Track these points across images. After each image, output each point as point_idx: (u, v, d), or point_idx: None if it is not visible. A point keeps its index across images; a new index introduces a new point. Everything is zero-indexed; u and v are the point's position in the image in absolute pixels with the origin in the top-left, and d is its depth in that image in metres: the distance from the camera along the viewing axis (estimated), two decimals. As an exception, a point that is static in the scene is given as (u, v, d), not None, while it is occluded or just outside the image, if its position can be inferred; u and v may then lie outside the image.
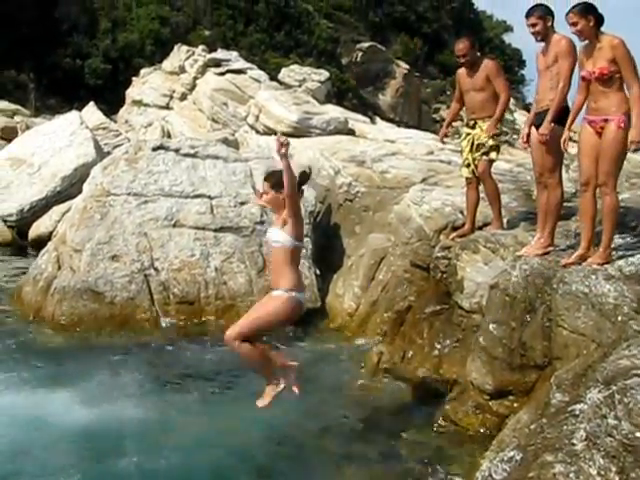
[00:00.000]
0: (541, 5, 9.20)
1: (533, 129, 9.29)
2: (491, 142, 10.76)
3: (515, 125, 28.46)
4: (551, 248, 8.99)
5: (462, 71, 11.03)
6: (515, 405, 8.27)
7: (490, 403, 8.55)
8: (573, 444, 5.42)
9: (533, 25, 9.11)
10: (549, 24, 9.10)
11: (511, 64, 63.07)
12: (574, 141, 9.23)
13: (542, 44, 9.20)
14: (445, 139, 12.18)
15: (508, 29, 67.77)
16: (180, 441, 8.67)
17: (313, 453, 8.71)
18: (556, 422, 5.83)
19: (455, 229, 11.26)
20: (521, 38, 71.02)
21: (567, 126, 8.87)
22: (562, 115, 8.94)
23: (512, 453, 5.90)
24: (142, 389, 10.25)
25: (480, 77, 10.76)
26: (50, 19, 43.18)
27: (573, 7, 8.55)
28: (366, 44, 49.65)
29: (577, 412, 5.72)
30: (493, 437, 7.65)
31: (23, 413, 9.17)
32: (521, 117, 29.83)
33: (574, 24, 8.44)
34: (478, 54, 11.05)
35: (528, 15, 9.16)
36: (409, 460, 8.37)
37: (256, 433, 8.92)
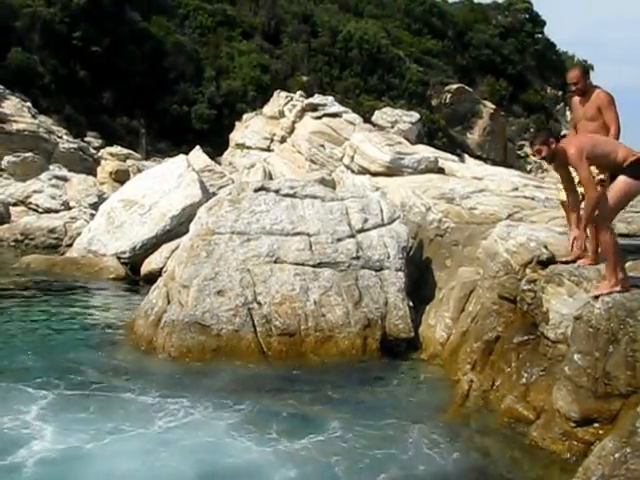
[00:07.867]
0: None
1: None
2: (602, 176, 9.87)
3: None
4: (617, 288, 8.69)
5: (575, 99, 10.68)
6: (601, 432, 8.17)
7: (576, 430, 8.47)
8: (656, 477, 5.34)
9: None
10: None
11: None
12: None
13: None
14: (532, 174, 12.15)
15: (589, 68, 67.14)
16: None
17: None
18: (640, 453, 5.76)
19: (540, 263, 11.11)
20: (601, 76, 70.76)
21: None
22: None
23: (597, 483, 5.83)
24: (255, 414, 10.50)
25: (591, 107, 10.32)
26: (159, 69, 44.22)
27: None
28: (454, 86, 49.75)
29: (661, 442, 5.64)
30: (579, 463, 7.58)
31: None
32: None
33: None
34: (591, 82, 10.74)
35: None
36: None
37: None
